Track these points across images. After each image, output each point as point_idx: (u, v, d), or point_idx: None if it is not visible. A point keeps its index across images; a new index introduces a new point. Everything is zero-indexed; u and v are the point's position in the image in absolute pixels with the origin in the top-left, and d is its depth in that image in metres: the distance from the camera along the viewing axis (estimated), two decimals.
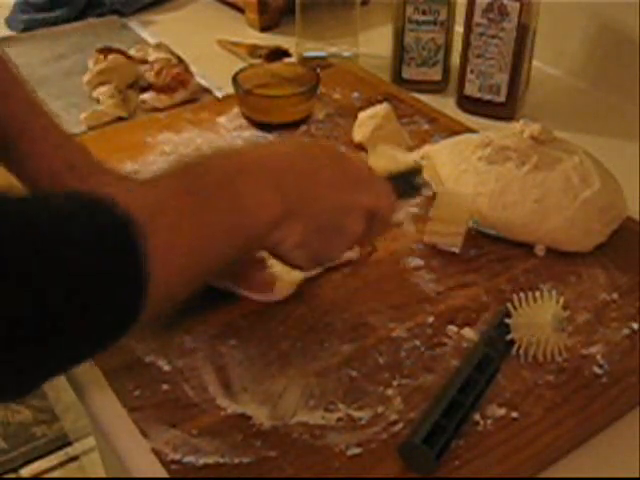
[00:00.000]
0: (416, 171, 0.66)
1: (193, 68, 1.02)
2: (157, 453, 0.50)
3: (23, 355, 0.38)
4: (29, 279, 0.37)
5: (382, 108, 0.83)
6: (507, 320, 0.57)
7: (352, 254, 0.66)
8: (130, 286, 0.41)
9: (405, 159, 0.76)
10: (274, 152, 0.55)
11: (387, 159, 0.75)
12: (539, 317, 0.56)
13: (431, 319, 0.61)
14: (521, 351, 0.57)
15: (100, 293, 0.40)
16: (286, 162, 0.53)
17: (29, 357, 0.38)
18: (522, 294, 0.58)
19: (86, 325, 0.40)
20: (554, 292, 0.58)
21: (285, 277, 0.63)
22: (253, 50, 1.08)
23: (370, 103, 0.88)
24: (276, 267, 0.62)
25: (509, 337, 0.57)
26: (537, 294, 0.58)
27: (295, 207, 0.52)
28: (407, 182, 0.64)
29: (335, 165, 0.56)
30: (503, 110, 0.92)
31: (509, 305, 0.58)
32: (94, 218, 0.41)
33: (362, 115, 0.84)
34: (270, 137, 0.85)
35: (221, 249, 0.49)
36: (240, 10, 1.22)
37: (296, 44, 1.06)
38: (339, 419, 0.52)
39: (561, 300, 0.57)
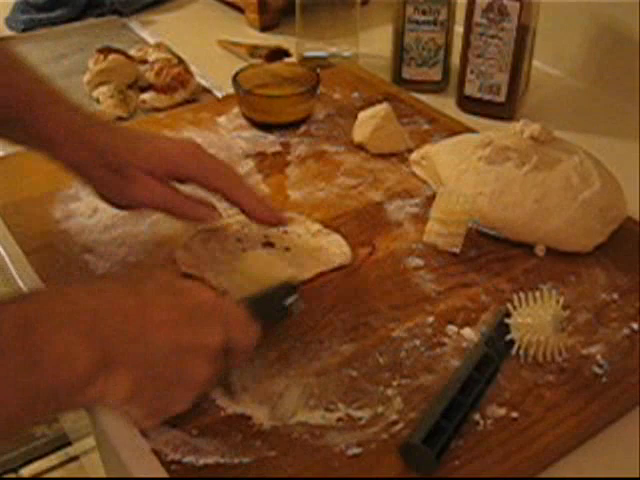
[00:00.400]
0: (288, 288, 0.58)
1: (193, 68, 1.02)
2: (157, 453, 0.50)
3: None
4: None
5: (382, 108, 0.83)
6: (507, 320, 0.57)
7: (344, 259, 0.66)
8: None
9: (281, 271, 0.65)
10: (91, 291, 0.47)
11: (260, 268, 0.65)
12: (539, 317, 0.56)
13: (431, 319, 0.61)
14: (521, 351, 0.57)
15: None
16: (104, 301, 0.46)
17: None
18: (522, 294, 0.58)
19: None
20: (554, 292, 0.58)
21: None
22: (253, 50, 1.08)
23: (370, 103, 0.88)
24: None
25: (509, 337, 0.57)
26: (537, 294, 0.58)
27: (115, 355, 0.45)
28: (274, 303, 0.57)
29: (169, 299, 0.49)
30: (503, 110, 0.92)
31: (509, 305, 0.58)
32: None
33: (362, 115, 0.84)
34: (270, 137, 0.85)
35: (14, 413, 0.42)
36: (240, 10, 1.22)
37: (296, 44, 1.06)
38: (339, 419, 0.52)
39: (561, 300, 0.57)
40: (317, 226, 0.70)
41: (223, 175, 0.65)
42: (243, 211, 0.65)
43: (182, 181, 0.65)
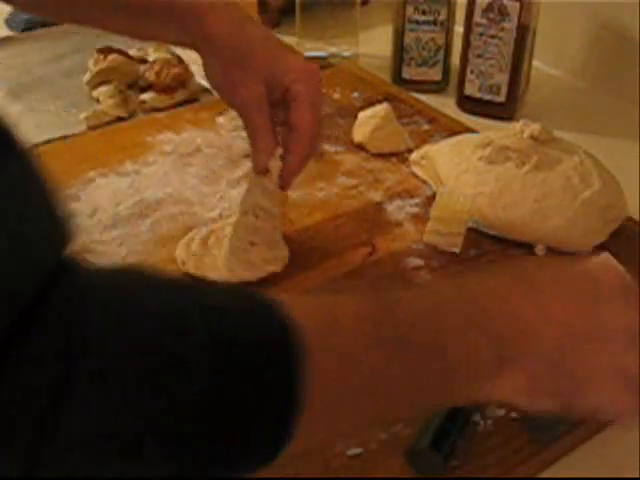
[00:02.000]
0: None
1: (193, 68, 1.02)
2: None
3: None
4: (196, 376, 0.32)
5: (382, 108, 0.83)
6: None
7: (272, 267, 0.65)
8: (277, 410, 0.34)
9: None
10: (484, 290, 0.44)
11: None
12: None
13: None
14: None
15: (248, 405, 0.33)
16: (497, 298, 0.44)
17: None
18: None
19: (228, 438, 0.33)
20: None
21: None
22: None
23: (370, 103, 0.88)
24: None
25: None
26: None
27: (512, 348, 0.42)
28: None
29: (564, 290, 0.45)
30: (503, 110, 0.92)
31: None
32: (259, 323, 0.36)
33: (362, 115, 0.84)
34: None
35: (410, 403, 0.41)
36: None
37: (296, 44, 1.06)
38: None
39: None
40: None
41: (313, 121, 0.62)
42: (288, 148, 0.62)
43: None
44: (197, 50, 0.64)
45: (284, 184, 0.63)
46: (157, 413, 0.31)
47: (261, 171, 0.62)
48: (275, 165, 0.61)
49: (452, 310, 0.42)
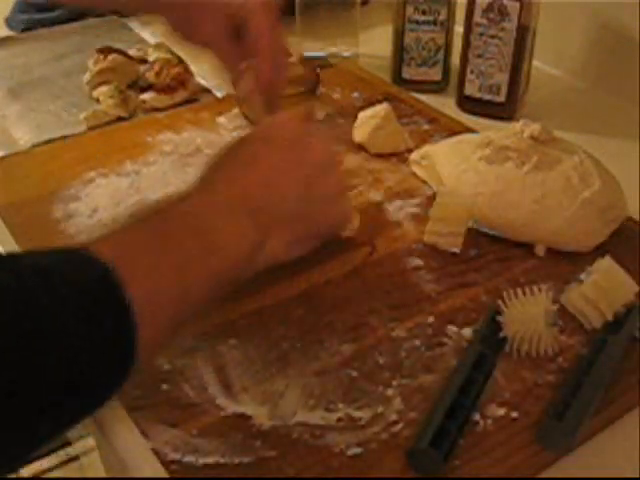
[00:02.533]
0: None
1: (193, 68, 1.02)
2: (157, 453, 0.50)
3: (16, 427, 0.37)
4: (17, 342, 0.36)
5: (382, 108, 0.83)
6: (498, 317, 0.58)
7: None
8: (118, 341, 0.40)
9: None
10: (229, 178, 0.54)
11: None
12: (530, 312, 0.56)
13: (431, 319, 0.61)
14: (514, 347, 0.57)
15: (86, 352, 0.39)
16: (247, 180, 0.53)
17: (23, 429, 0.37)
18: (511, 290, 0.58)
19: (82, 379, 0.39)
20: (543, 286, 0.58)
21: None
22: None
23: (370, 103, 0.88)
24: None
25: (502, 334, 0.57)
26: (526, 289, 0.58)
27: (271, 219, 0.53)
28: None
29: (269, 148, 0.56)
30: (503, 110, 0.92)
31: (499, 302, 0.58)
32: (70, 271, 0.40)
33: (362, 115, 0.84)
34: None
35: (204, 289, 0.49)
36: None
37: (296, 44, 1.06)
38: (339, 419, 0.52)
39: (550, 294, 0.57)
40: None
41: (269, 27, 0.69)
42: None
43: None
44: (154, 8, 0.71)
45: (265, 92, 0.69)
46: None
47: (237, 96, 0.71)
48: (245, 85, 0.67)
49: (207, 203, 0.51)
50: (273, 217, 0.53)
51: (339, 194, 0.59)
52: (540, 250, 0.68)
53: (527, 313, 0.57)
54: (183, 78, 0.98)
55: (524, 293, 0.58)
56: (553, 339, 0.57)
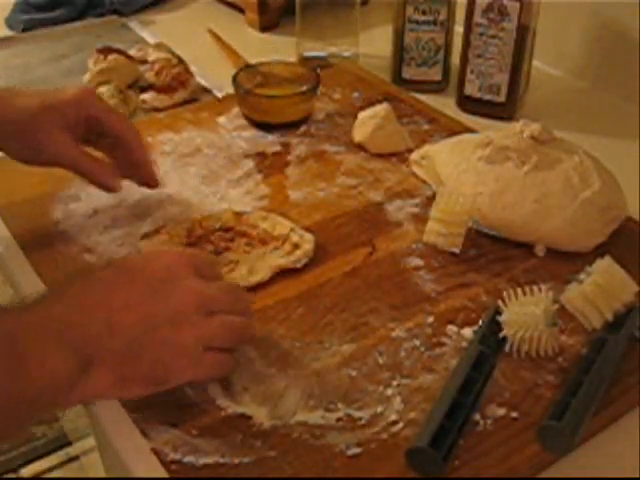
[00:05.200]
0: None
1: (193, 68, 1.02)
2: (157, 453, 0.50)
3: None
4: None
5: (382, 108, 0.83)
6: (498, 317, 0.58)
7: (284, 261, 0.66)
8: None
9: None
10: (59, 298, 0.49)
11: None
12: (530, 313, 0.56)
13: (431, 319, 0.61)
14: (514, 348, 0.57)
15: None
16: (70, 305, 0.48)
17: None
18: (511, 290, 0.58)
19: None
20: (543, 287, 0.58)
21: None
22: (236, 60, 1.07)
23: (370, 103, 0.88)
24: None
25: (502, 334, 0.57)
26: (527, 289, 0.58)
27: (90, 355, 0.47)
28: None
29: (125, 279, 0.51)
30: (503, 110, 0.92)
31: (500, 302, 0.58)
32: None
33: (362, 115, 0.84)
34: (270, 137, 0.85)
35: (7, 408, 0.44)
36: (240, 10, 1.22)
37: (296, 44, 1.06)
38: (339, 419, 0.52)
39: (550, 294, 0.57)
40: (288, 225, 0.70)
41: (121, 116, 0.71)
42: (130, 160, 0.70)
43: (90, 125, 0.68)
44: None
45: (152, 182, 0.72)
46: None
47: (120, 189, 0.70)
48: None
49: (26, 324, 0.46)
50: (104, 349, 0.47)
51: (188, 348, 0.50)
52: (540, 250, 0.68)
53: (527, 313, 0.56)
54: (183, 78, 0.98)
55: (524, 293, 0.58)
56: (553, 339, 0.57)
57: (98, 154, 0.71)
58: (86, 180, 0.69)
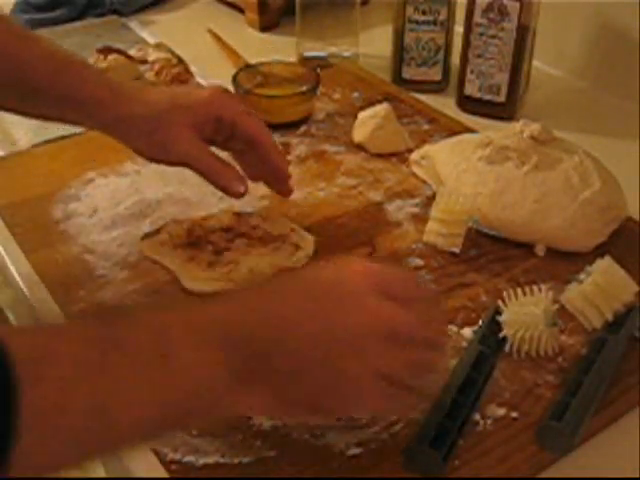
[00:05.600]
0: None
1: (193, 68, 1.02)
2: (157, 453, 0.50)
3: None
4: None
5: (382, 108, 0.83)
6: (498, 317, 0.58)
7: (284, 261, 0.65)
8: None
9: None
10: (224, 299, 0.45)
11: None
12: (530, 313, 0.56)
13: None
14: (514, 348, 0.57)
15: None
16: (236, 311, 0.42)
17: None
18: (511, 290, 0.58)
19: None
20: (543, 287, 0.58)
21: None
22: (236, 60, 1.07)
23: (370, 103, 0.88)
24: None
25: (502, 334, 0.57)
26: (527, 289, 0.58)
27: (251, 369, 0.41)
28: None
29: (303, 292, 0.44)
30: (503, 110, 0.92)
31: (500, 302, 0.58)
32: None
33: (362, 115, 0.84)
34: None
35: (137, 419, 0.39)
36: (240, 10, 1.22)
37: (296, 44, 1.06)
38: (339, 419, 0.52)
39: (550, 294, 0.57)
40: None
41: (256, 118, 0.67)
42: (264, 165, 0.67)
43: (221, 126, 0.65)
44: (111, 132, 0.65)
45: (286, 190, 0.69)
46: None
47: (243, 194, 0.65)
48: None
49: (185, 321, 0.41)
50: (269, 366, 0.41)
51: (363, 381, 0.43)
52: (540, 250, 0.68)
53: (527, 313, 0.56)
54: (183, 78, 0.98)
55: (524, 293, 0.58)
56: (553, 339, 0.57)
57: (223, 154, 0.67)
58: (212, 183, 0.65)
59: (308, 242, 0.67)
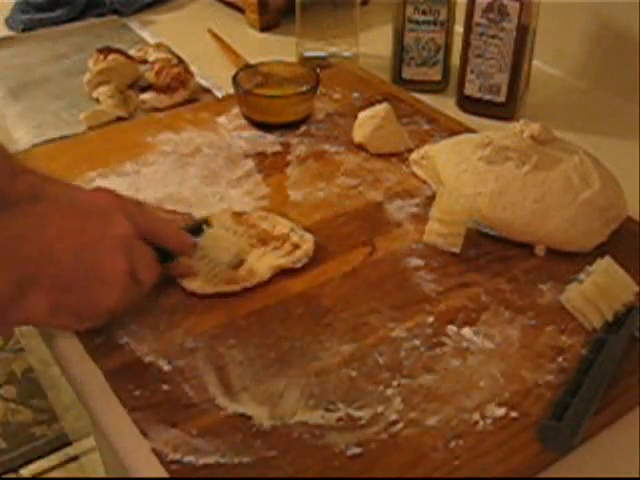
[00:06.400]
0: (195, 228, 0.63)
1: (193, 68, 1.02)
2: (157, 453, 0.50)
3: None
4: None
5: (382, 108, 0.83)
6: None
7: (284, 261, 0.65)
8: None
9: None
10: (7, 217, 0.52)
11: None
12: None
13: (431, 319, 0.61)
14: None
15: None
16: (8, 231, 0.51)
17: None
18: None
19: None
20: None
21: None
22: (236, 60, 1.07)
23: (370, 103, 0.88)
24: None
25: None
26: None
27: (26, 278, 0.50)
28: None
29: (62, 209, 0.54)
30: (503, 110, 0.92)
31: None
32: None
33: (362, 115, 0.84)
34: (270, 137, 0.85)
35: None
36: (240, 10, 1.22)
37: (296, 44, 1.06)
38: (339, 419, 0.52)
39: None
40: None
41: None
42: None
43: None
44: None
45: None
46: None
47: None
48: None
49: None
50: (40, 274, 0.50)
51: (122, 275, 0.54)
52: (540, 250, 0.68)
53: None
54: (183, 78, 0.98)
55: None
56: None
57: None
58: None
59: (308, 242, 0.67)
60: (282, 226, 0.69)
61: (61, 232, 0.52)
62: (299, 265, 0.66)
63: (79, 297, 0.53)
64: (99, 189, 0.60)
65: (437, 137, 0.84)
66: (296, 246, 0.67)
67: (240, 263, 0.65)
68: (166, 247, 0.59)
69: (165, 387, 0.55)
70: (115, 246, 0.53)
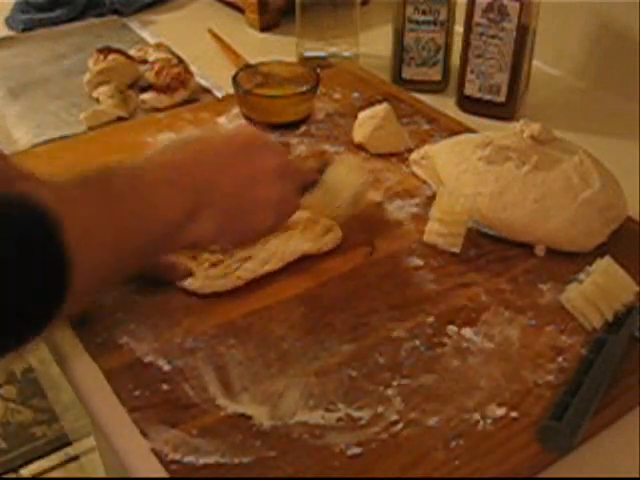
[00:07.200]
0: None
1: (193, 68, 1.02)
2: (157, 453, 0.50)
3: None
4: None
5: (382, 108, 0.83)
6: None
7: (309, 246, 0.66)
8: (52, 275, 0.43)
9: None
10: (178, 149, 0.57)
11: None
12: None
13: (431, 319, 0.61)
14: None
15: (21, 285, 0.41)
16: (189, 156, 0.56)
17: None
18: None
19: (9, 315, 0.41)
20: None
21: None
22: (236, 60, 1.07)
23: (370, 103, 0.88)
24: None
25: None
26: None
27: (200, 202, 0.54)
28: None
29: (225, 144, 0.59)
30: (503, 110, 0.92)
31: None
32: (10, 213, 0.42)
33: (362, 115, 0.84)
34: (270, 137, 0.85)
35: (136, 245, 0.51)
36: (240, 10, 1.22)
37: (296, 44, 1.06)
38: (339, 419, 0.52)
39: None
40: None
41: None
42: None
43: None
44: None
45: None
46: None
47: None
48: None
49: (151, 171, 0.54)
50: (209, 200, 0.55)
51: (275, 204, 0.60)
52: (540, 250, 0.68)
53: None
54: (183, 78, 0.98)
55: None
56: None
57: None
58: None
59: (337, 229, 0.68)
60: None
61: (227, 161, 0.58)
62: (326, 249, 0.67)
63: (241, 220, 0.58)
64: (243, 126, 0.69)
65: (437, 137, 0.84)
66: (328, 230, 0.67)
67: (359, 199, 0.70)
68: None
69: (165, 387, 0.55)
70: (269, 178, 0.59)
